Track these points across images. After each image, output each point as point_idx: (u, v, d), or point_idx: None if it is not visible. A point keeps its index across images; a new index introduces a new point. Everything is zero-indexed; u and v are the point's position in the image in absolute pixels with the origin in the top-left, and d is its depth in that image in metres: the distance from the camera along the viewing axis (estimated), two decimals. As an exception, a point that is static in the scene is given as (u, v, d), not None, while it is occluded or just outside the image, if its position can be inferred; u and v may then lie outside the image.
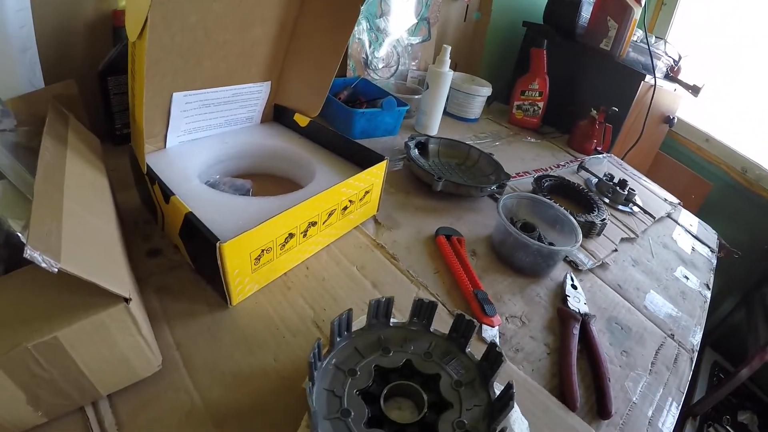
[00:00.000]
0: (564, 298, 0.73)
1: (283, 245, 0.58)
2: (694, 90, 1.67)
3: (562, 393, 0.58)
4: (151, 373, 0.44)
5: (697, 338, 0.79)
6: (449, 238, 0.78)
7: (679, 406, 0.63)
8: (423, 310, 0.53)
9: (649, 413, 0.60)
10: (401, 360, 0.49)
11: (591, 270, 0.85)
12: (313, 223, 0.62)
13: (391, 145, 1.10)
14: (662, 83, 1.45)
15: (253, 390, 0.47)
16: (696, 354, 0.75)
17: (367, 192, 0.73)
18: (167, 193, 0.55)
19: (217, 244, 0.47)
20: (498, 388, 0.47)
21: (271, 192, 0.67)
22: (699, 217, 1.33)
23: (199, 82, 0.69)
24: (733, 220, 1.88)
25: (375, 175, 0.72)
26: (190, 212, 0.52)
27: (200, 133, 0.75)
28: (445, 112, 1.38)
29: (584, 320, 0.68)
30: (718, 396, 1.49)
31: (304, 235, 0.62)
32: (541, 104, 1.43)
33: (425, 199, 0.91)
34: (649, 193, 1.30)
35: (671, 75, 1.65)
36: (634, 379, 0.64)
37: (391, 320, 0.53)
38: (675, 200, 1.33)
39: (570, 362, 0.61)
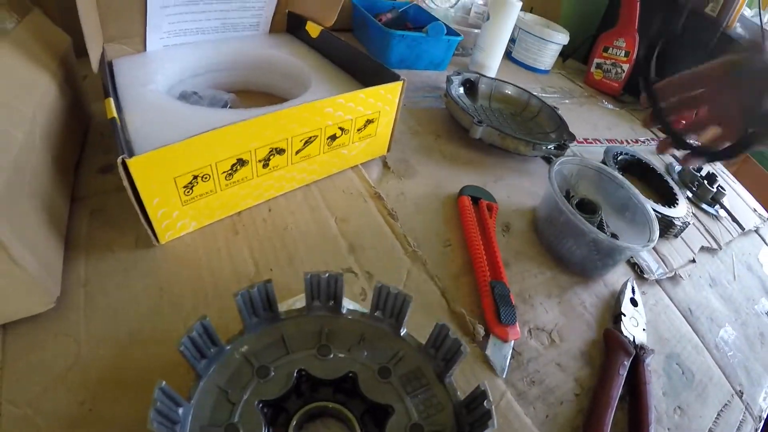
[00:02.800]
0: (617, 316, 0.52)
1: (230, 174, 0.44)
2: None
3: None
4: (40, 311, 0.36)
5: (764, 401, 0.58)
6: (477, 202, 0.58)
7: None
8: (388, 302, 0.35)
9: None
10: (342, 370, 0.33)
11: (658, 281, 0.63)
12: (280, 151, 0.47)
13: (436, 82, 0.91)
14: (770, 74, 1.20)
15: (147, 358, 0.36)
16: (763, 423, 0.55)
17: (369, 121, 0.54)
18: (107, 96, 0.43)
19: (120, 159, 0.35)
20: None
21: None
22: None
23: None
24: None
25: (383, 99, 0.54)
26: (114, 117, 0.40)
27: (190, 36, 0.62)
28: (510, 57, 1.20)
29: (637, 355, 0.48)
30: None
31: (265, 165, 0.47)
32: (626, 67, 1.18)
33: (459, 148, 0.71)
34: (737, 198, 1.07)
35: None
36: (683, 450, 0.46)
37: (347, 305, 0.37)
38: (766, 214, 1.09)
39: (605, 419, 0.41)
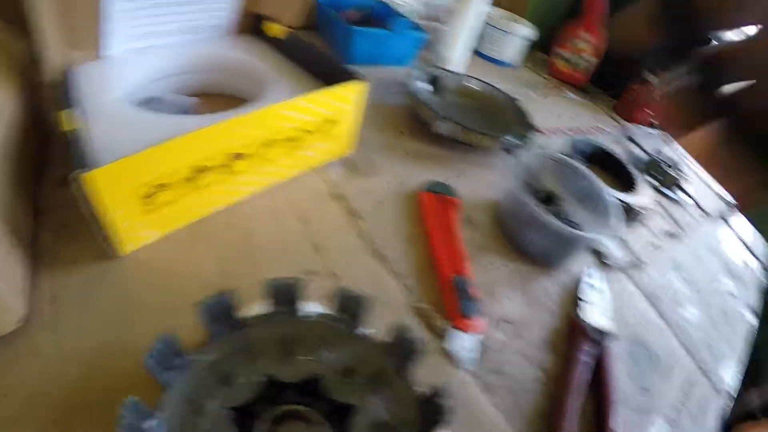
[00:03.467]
0: (579, 303, 0.53)
1: (192, 181, 0.43)
2: None
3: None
4: (7, 331, 0.34)
5: (729, 376, 0.60)
6: (440, 197, 0.59)
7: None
8: (349, 304, 0.36)
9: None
10: (307, 373, 0.33)
11: (622, 268, 0.65)
12: (241, 156, 0.46)
13: (400, 78, 0.90)
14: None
15: (116, 372, 0.35)
16: (734, 400, 0.57)
17: (332, 122, 0.54)
18: (63, 107, 0.41)
19: (72, 175, 0.34)
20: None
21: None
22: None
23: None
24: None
25: (346, 99, 0.53)
26: (71, 130, 0.38)
27: (150, 39, 0.59)
28: (476, 51, 1.20)
29: (600, 340, 0.49)
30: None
31: (227, 171, 0.46)
32: (589, 57, 1.19)
33: (422, 144, 0.72)
34: (701, 185, 1.09)
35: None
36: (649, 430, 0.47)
37: (310, 308, 0.36)
38: (731, 199, 1.11)
39: (567, 403, 0.42)
